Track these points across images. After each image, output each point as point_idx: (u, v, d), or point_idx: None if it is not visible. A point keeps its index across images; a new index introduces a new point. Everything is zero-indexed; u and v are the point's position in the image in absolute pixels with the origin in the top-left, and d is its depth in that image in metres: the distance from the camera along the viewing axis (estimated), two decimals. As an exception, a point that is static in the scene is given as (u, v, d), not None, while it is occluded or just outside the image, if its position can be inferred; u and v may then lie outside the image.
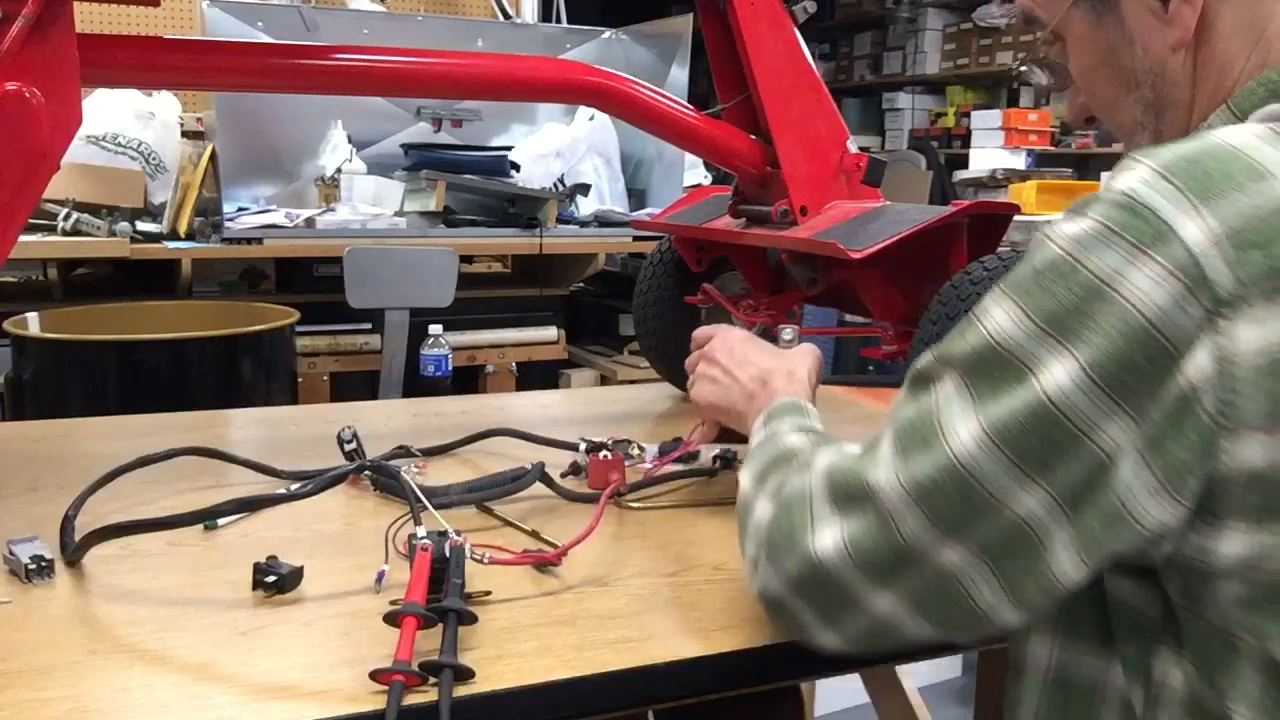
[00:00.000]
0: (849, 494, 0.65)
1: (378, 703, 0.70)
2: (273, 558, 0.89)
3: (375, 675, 0.71)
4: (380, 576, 0.89)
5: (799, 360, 0.98)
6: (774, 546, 0.71)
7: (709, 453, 1.24)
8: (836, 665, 0.93)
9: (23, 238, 1.05)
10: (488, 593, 0.86)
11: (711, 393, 1.02)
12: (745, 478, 0.80)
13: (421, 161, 3.20)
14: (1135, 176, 0.55)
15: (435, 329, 2.77)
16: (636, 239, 3.27)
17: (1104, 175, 4.56)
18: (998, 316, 0.58)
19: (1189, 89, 0.71)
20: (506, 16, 3.77)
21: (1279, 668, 0.54)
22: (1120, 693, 0.61)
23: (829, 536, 0.65)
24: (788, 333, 1.16)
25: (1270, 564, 0.53)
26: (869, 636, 0.67)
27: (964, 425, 0.58)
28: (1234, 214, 0.52)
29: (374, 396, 2.82)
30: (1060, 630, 0.65)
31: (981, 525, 0.58)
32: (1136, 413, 0.53)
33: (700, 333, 1.08)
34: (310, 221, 2.96)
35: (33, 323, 2.32)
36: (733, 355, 1.01)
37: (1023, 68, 0.81)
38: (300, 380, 2.71)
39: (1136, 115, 0.75)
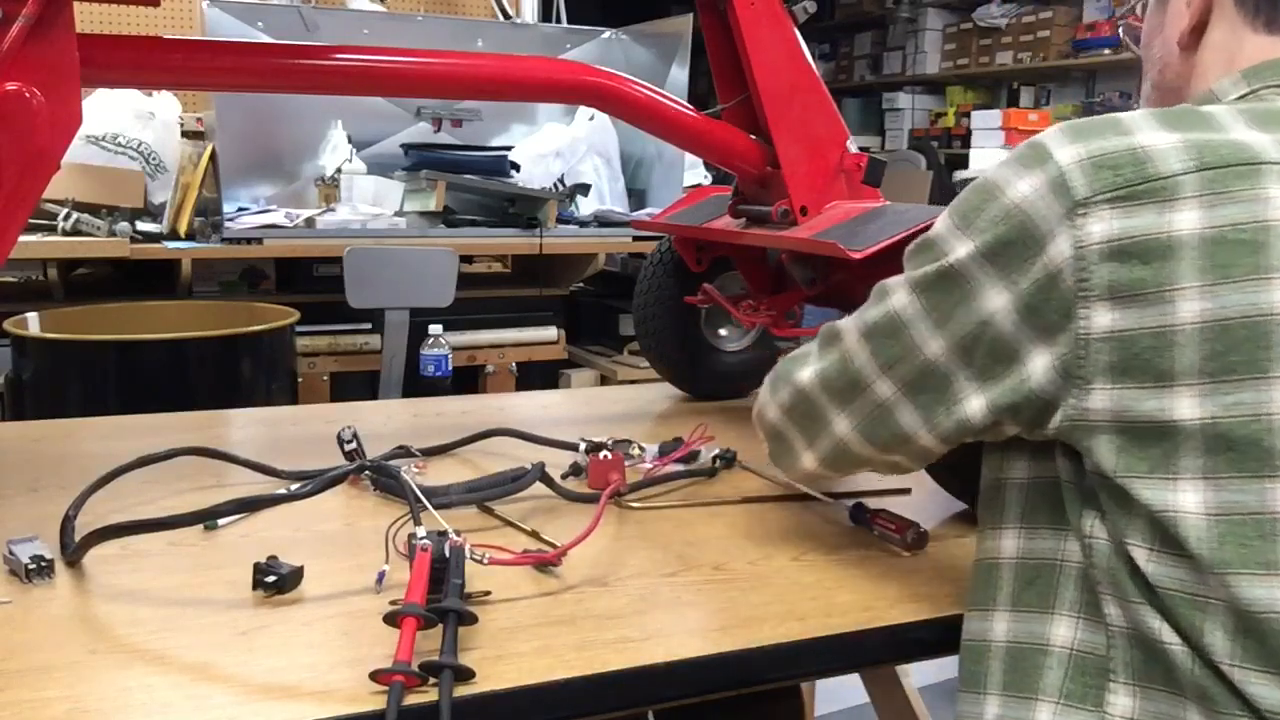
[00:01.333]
0: (827, 338, 0.86)
1: (378, 703, 0.70)
2: (273, 558, 0.89)
3: (375, 675, 0.71)
4: (380, 576, 0.89)
5: None
6: (775, 385, 0.92)
7: (709, 453, 1.24)
8: (835, 665, 0.93)
9: (23, 238, 1.05)
10: (488, 593, 0.86)
11: None
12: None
13: (421, 161, 3.20)
14: (1047, 132, 0.73)
15: (435, 329, 2.77)
16: (636, 239, 3.26)
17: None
18: (938, 223, 0.77)
19: (1186, 83, 0.84)
20: (506, 16, 3.76)
21: (1146, 508, 0.68)
22: (1075, 560, 0.74)
23: (811, 369, 0.87)
24: None
25: (1128, 413, 0.68)
26: (834, 457, 0.87)
27: (900, 286, 0.79)
28: (1096, 148, 0.69)
29: (374, 396, 2.82)
30: (1024, 522, 0.78)
31: (905, 363, 0.78)
32: (1010, 282, 0.71)
33: None
34: (310, 221, 2.95)
35: (33, 323, 2.31)
36: None
37: (1120, 29, 1.02)
38: (300, 380, 2.71)
39: (1148, 90, 0.90)
